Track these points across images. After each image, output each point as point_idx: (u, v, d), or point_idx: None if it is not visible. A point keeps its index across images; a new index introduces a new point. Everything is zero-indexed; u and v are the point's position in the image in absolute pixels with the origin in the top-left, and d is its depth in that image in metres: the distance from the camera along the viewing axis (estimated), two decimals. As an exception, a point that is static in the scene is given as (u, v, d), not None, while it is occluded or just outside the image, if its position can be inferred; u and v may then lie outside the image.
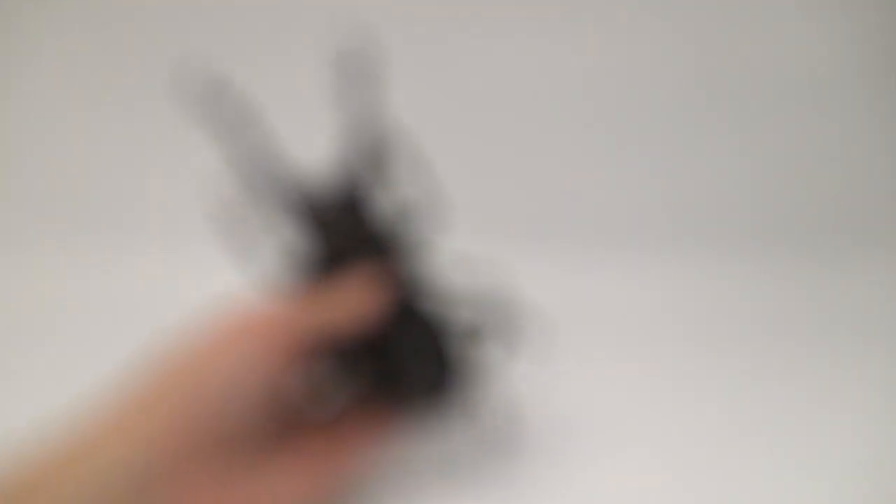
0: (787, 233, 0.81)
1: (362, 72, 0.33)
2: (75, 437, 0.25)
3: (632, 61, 0.78)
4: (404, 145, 0.35)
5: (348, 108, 0.33)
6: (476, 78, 0.78)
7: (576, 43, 0.77)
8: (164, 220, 0.79)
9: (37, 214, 0.78)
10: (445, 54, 0.77)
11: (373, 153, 0.33)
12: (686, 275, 0.77)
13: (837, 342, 0.64)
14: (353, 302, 0.29)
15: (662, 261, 0.80)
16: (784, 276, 0.78)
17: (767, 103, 0.79)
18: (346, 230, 0.32)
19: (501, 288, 0.35)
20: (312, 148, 0.38)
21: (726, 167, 0.82)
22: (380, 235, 0.33)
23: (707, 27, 0.77)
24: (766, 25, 0.77)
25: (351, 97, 0.33)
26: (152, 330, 0.31)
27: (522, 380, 0.33)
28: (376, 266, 0.31)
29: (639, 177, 0.81)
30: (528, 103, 0.79)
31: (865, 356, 0.62)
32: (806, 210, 0.82)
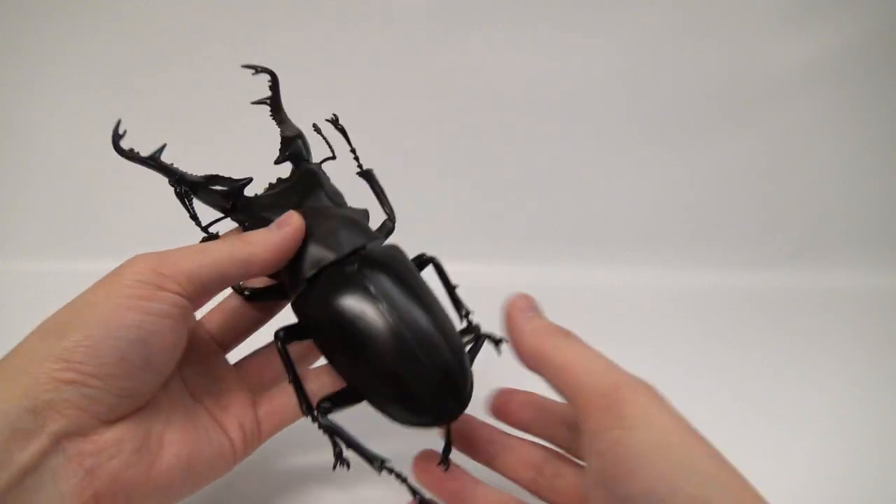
0: (781, 233, 0.82)
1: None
2: None
3: (632, 66, 0.79)
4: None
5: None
6: (480, 79, 0.78)
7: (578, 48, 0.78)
8: (166, 232, 0.79)
9: (41, 224, 0.78)
10: (451, 55, 0.77)
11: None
12: (681, 274, 0.77)
13: (822, 335, 0.65)
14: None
15: (663, 260, 0.80)
16: (776, 273, 0.78)
17: (761, 110, 0.80)
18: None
19: None
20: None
21: (724, 172, 0.82)
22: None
23: (707, 36, 0.78)
24: (763, 36, 0.78)
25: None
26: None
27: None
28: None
29: (639, 181, 0.82)
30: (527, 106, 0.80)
31: (844, 347, 0.62)
32: (799, 212, 0.82)
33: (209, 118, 0.74)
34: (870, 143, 0.81)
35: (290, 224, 0.34)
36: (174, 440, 0.31)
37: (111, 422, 0.29)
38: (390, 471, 0.34)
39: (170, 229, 0.77)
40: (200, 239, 0.37)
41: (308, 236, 0.35)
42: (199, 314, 0.38)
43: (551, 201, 0.81)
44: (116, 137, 0.36)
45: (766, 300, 0.74)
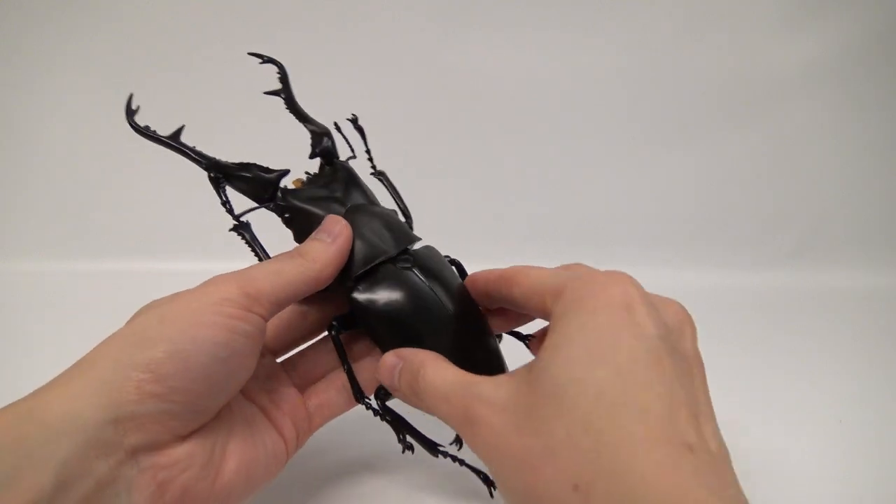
0: (781, 233, 0.82)
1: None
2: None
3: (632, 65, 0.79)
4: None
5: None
6: (484, 78, 0.78)
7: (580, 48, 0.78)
8: (166, 232, 0.80)
9: (41, 224, 0.79)
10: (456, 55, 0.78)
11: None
12: (683, 274, 0.77)
13: (822, 335, 0.65)
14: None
15: (663, 260, 0.80)
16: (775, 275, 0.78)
17: (759, 109, 0.80)
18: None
19: None
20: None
21: (726, 171, 0.82)
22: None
23: (710, 37, 0.78)
24: (762, 37, 0.78)
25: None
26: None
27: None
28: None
29: (639, 181, 0.82)
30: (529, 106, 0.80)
31: (840, 344, 0.62)
32: (798, 212, 0.82)
33: (210, 118, 0.74)
34: (870, 143, 0.81)
35: (342, 234, 0.35)
36: (236, 450, 0.31)
37: (184, 437, 0.29)
38: (445, 454, 0.35)
39: (169, 230, 0.77)
40: (231, 227, 0.37)
41: (358, 232, 0.36)
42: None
43: (551, 201, 0.81)
44: (130, 112, 0.35)
45: (766, 300, 0.74)
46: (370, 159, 0.43)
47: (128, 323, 0.30)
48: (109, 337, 0.29)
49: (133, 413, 0.26)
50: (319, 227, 0.36)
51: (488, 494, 0.37)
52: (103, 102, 0.75)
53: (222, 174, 0.36)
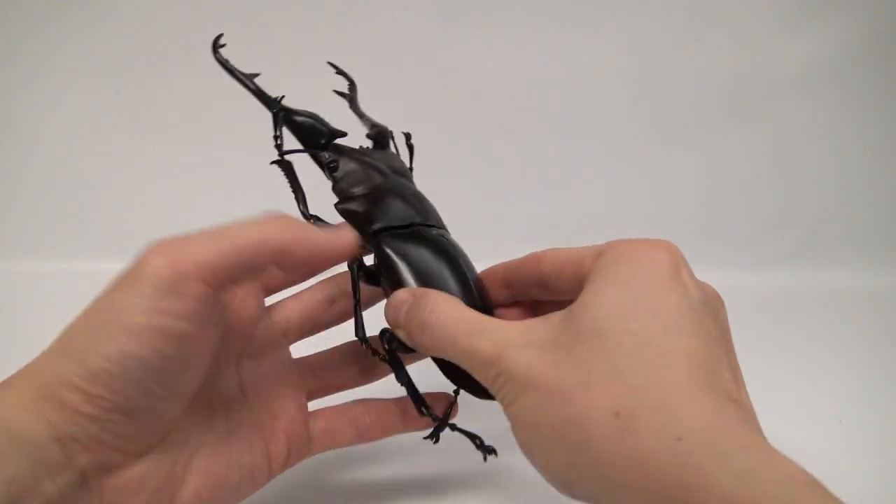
0: (781, 233, 0.82)
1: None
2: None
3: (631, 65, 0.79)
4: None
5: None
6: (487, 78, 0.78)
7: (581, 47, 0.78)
8: (166, 233, 0.79)
9: (41, 224, 0.79)
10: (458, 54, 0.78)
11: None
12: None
13: (822, 335, 0.65)
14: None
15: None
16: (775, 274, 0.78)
17: (759, 108, 0.80)
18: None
19: None
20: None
21: (726, 169, 0.82)
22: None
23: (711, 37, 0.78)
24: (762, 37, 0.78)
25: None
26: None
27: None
28: None
29: (639, 181, 0.82)
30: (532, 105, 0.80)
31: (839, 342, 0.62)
32: (799, 208, 0.82)
33: (209, 118, 0.74)
34: (870, 143, 0.81)
35: (344, 237, 0.32)
36: (200, 469, 0.29)
37: (139, 454, 0.26)
38: (433, 417, 0.35)
39: (169, 230, 0.77)
40: (274, 160, 0.38)
41: (399, 194, 0.38)
42: (272, 299, 0.35)
43: (551, 201, 0.81)
44: (217, 46, 0.39)
45: (766, 300, 0.74)
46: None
47: (68, 327, 0.27)
48: (50, 345, 0.26)
49: (73, 434, 0.24)
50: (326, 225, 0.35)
51: (482, 459, 0.36)
52: (103, 102, 0.75)
53: (285, 113, 0.38)
